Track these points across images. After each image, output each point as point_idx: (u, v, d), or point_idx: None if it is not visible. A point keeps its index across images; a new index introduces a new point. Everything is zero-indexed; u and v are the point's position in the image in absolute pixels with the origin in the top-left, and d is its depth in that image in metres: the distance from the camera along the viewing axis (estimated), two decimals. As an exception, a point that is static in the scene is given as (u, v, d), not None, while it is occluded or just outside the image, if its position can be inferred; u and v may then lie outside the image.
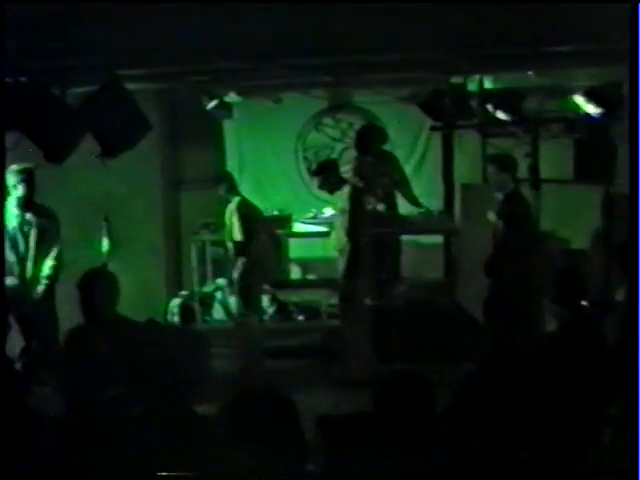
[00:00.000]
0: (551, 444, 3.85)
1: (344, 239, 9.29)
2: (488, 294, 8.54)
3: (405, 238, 11.12)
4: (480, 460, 3.89)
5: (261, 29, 5.90)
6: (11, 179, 8.23)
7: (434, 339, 9.55)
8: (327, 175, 9.49)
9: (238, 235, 9.63)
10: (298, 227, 11.32)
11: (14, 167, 8.12)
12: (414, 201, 10.90)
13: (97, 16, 4.99)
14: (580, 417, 3.99)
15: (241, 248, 9.69)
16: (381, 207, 10.58)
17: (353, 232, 9.24)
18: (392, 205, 10.84)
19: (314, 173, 9.94)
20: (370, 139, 10.68)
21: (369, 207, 10.21)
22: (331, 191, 9.50)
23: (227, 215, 9.81)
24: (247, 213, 9.75)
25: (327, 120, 12.33)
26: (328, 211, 10.81)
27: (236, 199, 9.76)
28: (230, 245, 9.79)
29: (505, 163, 8.62)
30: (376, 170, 10.61)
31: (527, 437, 3.92)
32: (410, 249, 11.23)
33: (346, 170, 10.46)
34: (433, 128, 10.92)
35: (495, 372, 4.32)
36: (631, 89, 6.56)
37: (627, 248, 6.36)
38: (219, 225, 10.65)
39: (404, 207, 10.98)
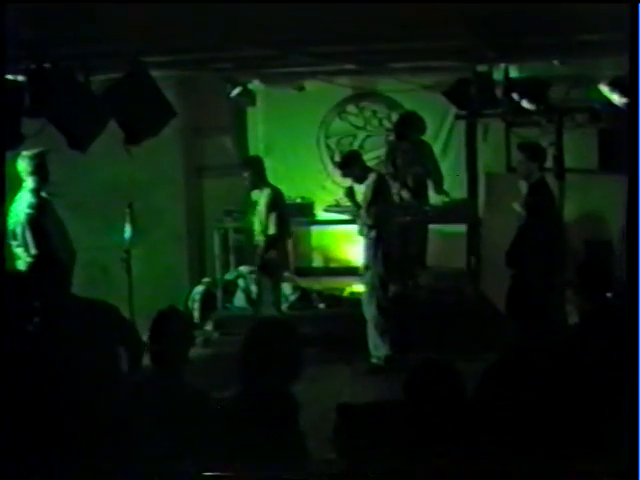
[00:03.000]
0: (575, 438, 3.84)
1: (367, 227, 9.29)
2: (511, 284, 8.51)
3: (430, 227, 11.11)
4: (501, 453, 3.88)
5: (285, 17, 5.87)
6: (27, 165, 8.17)
7: (457, 328, 9.54)
8: (352, 167, 9.48)
9: (272, 229, 9.65)
10: (320, 215, 11.32)
11: (26, 153, 8.04)
12: (439, 191, 10.93)
13: (121, 2, 4.98)
14: (604, 410, 3.98)
15: (274, 242, 9.72)
16: (406, 194, 10.58)
17: (377, 220, 9.23)
18: (422, 194, 10.85)
19: (339, 167, 9.90)
20: (409, 127, 10.74)
21: (394, 194, 10.23)
22: (360, 181, 9.49)
23: (260, 204, 9.76)
24: (281, 206, 9.78)
25: (351, 108, 12.31)
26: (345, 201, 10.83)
27: (267, 190, 9.75)
28: (260, 237, 9.78)
29: (535, 152, 8.59)
30: (410, 158, 10.64)
31: (549, 430, 3.91)
32: (435, 238, 11.22)
33: (380, 155, 10.49)
34: (458, 117, 10.90)
35: (518, 363, 4.30)
36: (631, 89, 6.51)
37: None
38: (242, 212, 10.67)
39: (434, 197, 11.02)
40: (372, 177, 9.34)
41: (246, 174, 9.89)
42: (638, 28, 4.46)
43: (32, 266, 6.85)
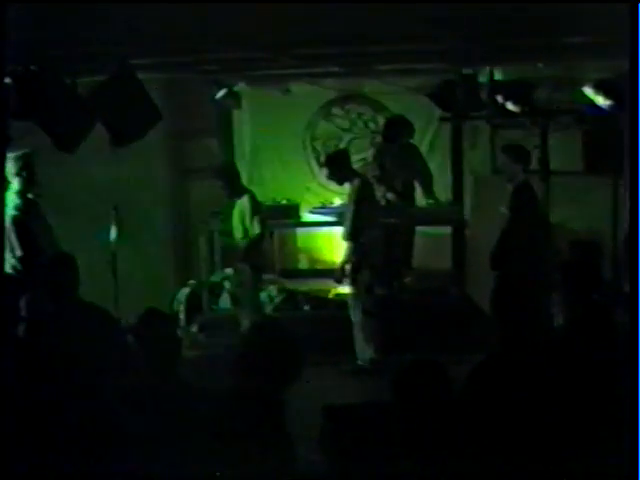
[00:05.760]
0: (560, 440, 3.85)
1: (351, 229, 9.29)
2: (495, 286, 8.54)
3: (416, 229, 11.11)
4: (486, 456, 3.89)
5: (270, 19, 5.89)
6: (12, 166, 8.13)
7: (442, 330, 9.56)
8: (337, 166, 9.46)
9: (257, 228, 9.63)
10: (306, 217, 11.32)
11: (12, 155, 8.00)
12: (428, 195, 10.92)
13: (108, 5, 4.99)
14: (590, 412, 3.99)
15: (259, 242, 9.72)
16: (392, 197, 10.58)
17: (360, 223, 9.23)
18: (408, 197, 10.84)
19: (324, 164, 9.91)
20: (397, 130, 10.73)
21: (379, 197, 10.23)
22: (340, 182, 9.49)
23: (240, 209, 9.73)
24: (261, 209, 9.79)
25: (336, 110, 12.32)
26: (336, 201, 10.86)
27: (247, 195, 9.72)
28: (242, 242, 9.75)
29: (518, 154, 8.62)
30: (397, 161, 10.63)
31: (534, 434, 3.92)
32: (420, 239, 11.23)
33: (365, 157, 10.47)
34: (442, 119, 10.91)
35: (504, 364, 4.31)
36: (632, 89, 6.55)
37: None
38: (228, 215, 10.66)
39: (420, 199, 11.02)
40: (357, 182, 9.30)
41: (220, 183, 9.83)
42: (638, 28, 4.49)
43: (46, 266, 6.83)
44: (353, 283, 9.36)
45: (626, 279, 6.82)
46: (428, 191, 10.96)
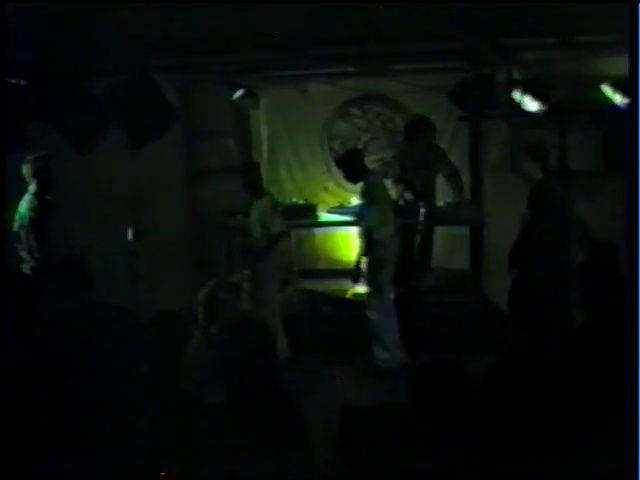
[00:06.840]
0: (576, 438, 3.84)
1: (364, 228, 9.28)
2: (513, 285, 8.52)
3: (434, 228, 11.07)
4: (504, 452, 3.88)
5: (288, 19, 5.90)
6: (30, 168, 8.15)
7: (460, 330, 9.54)
8: (348, 165, 9.45)
9: (277, 228, 9.65)
10: (324, 217, 11.31)
11: (30, 157, 8.02)
12: (460, 194, 10.83)
13: (124, 7, 5.01)
14: (605, 411, 3.97)
15: (276, 242, 9.73)
16: (410, 196, 10.55)
17: (372, 222, 9.21)
18: (428, 196, 10.77)
19: (337, 162, 9.91)
20: (418, 129, 10.68)
21: (397, 197, 10.22)
22: (355, 181, 9.47)
23: (261, 209, 9.75)
24: (280, 209, 9.81)
25: (354, 110, 12.29)
26: (354, 201, 10.83)
27: (267, 196, 9.75)
28: (261, 239, 9.77)
29: (537, 153, 8.59)
30: (418, 160, 10.59)
31: (550, 430, 3.91)
32: (438, 239, 11.19)
33: (383, 157, 10.44)
34: (461, 118, 10.87)
35: (521, 364, 4.30)
36: (632, 88, 6.53)
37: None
38: (247, 215, 10.67)
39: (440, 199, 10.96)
40: (368, 181, 9.27)
41: (243, 182, 9.85)
42: (638, 28, 4.48)
43: (56, 268, 6.86)
44: (370, 283, 9.35)
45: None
46: (459, 190, 10.87)
